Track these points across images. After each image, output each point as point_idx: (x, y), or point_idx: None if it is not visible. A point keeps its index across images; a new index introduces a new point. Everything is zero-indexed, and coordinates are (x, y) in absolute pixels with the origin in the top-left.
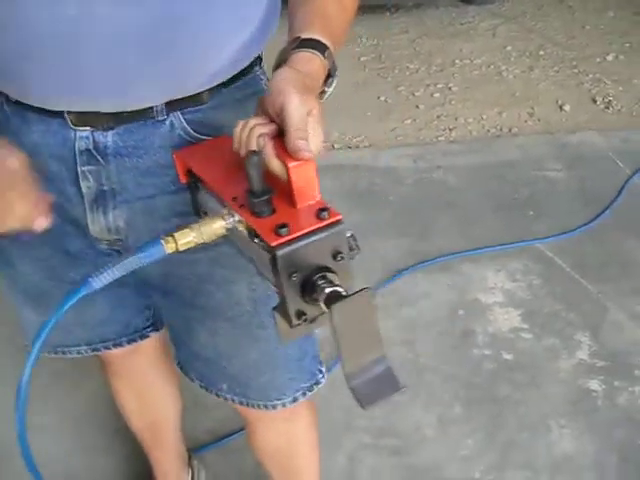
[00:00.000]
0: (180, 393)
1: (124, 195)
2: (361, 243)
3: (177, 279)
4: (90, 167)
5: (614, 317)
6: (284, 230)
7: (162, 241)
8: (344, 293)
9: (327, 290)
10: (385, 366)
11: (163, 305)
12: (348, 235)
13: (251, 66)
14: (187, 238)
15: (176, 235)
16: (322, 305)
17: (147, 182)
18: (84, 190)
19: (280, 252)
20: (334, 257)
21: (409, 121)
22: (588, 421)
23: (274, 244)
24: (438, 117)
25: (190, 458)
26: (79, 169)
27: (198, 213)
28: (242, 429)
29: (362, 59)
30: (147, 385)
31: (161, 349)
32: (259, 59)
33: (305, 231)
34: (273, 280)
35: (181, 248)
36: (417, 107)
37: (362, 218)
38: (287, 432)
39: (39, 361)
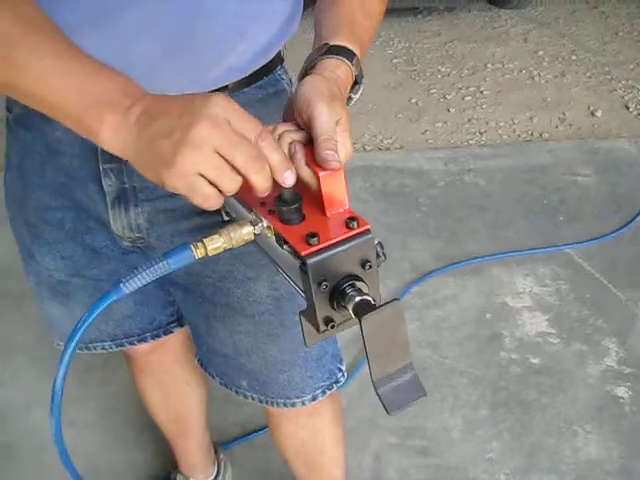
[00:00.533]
0: (206, 388)
1: (145, 193)
2: (391, 244)
3: (198, 276)
4: (112, 165)
5: None
6: (314, 239)
7: (192, 247)
8: (373, 302)
9: (357, 299)
10: (412, 373)
11: (184, 301)
12: (375, 242)
13: (272, 65)
14: (216, 244)
15: (205, 241)
16: (350, 312)
17: None
18: (106, 188)
19: (311, 261)
20: (363, 266)
21: (440, 124)
22: (614, 427)
23: (305, 253)
24: (469, 120)
25: (217, 452)
26: (101, 167)
27: (221, 212)
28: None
29: (394, 61)
30: (172, 381)
31: (186, 345)
32: (281, 59)
33: (335, 240)
34: (302, 287)
35: (210, 254)
36: (448, 110)
37: (392, 220)
38: (311, 426)
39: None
